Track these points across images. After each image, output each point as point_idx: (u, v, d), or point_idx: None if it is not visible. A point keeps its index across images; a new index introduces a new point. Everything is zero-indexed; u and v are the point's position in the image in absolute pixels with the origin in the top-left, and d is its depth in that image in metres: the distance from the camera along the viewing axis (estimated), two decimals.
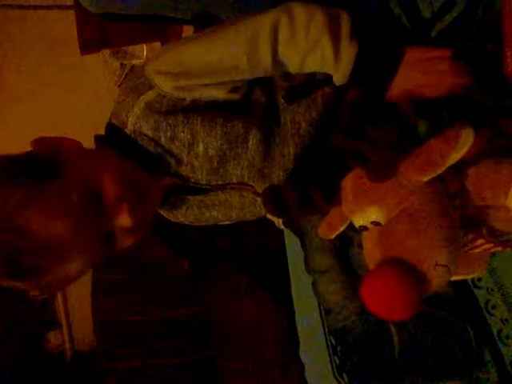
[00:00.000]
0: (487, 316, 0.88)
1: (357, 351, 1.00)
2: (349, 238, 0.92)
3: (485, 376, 0.91)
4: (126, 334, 1.89)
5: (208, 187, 0.84)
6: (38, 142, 0.76)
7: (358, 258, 0.95)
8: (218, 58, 0.72)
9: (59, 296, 2.21)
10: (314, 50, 0.70)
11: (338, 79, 0.73)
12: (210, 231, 1.81)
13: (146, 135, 0.76)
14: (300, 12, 0.69)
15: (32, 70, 1.78)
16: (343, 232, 0.66)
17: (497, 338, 0.87)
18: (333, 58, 0.70)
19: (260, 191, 0.85)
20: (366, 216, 0.56)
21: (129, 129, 0.77)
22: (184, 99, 0.75)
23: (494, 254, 0.77)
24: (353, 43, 0.70)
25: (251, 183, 0.84)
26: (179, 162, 0.79)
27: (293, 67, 0.74)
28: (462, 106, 0.71)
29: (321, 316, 1.17)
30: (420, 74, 0.70)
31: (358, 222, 0.58)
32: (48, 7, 1.74)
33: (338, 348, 1.12)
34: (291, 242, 1.25)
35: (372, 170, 0.55)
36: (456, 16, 0.77)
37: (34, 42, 1.83)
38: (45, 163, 0.71)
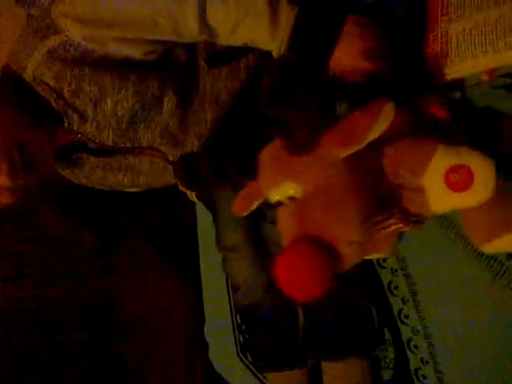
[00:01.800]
0: (389, 296, 0.91)
1: (262, 329, 1.00)
2: (262, 213, 0.91)
3: (383, 354, 0.95)
4: (25, 309, 1.80)
5: (114, 149, 0.79)
6: None
7: (270, 233, 0.94)
8: (137, 10, 0.65)
9: None
10: (247, 15, 0.65)
11: (275, 47, 0.68)
12: (116, 202, 1.75)
13: (47, 84, 0.70)
14: None
15: None
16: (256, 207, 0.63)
17: (397, 318, 0.90)
18: (269, 24, 0.65)
19: (171, 158, 0.81)
20: (283, 190, 0.54)
21: (28, 75, 0.70)
22: (93, 51, 0.68)
23: (400, 236, 0.79)
24: (291, 8, 0.65)
25: (163, 149, 0.80)
26: (83, 118, 0.73)
27: (221, 35, 0.68)
28: (381, 86, 0.71)
29: (228, 294, 1.16)
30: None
31: (274, 196, 0.56)
32: None
33: (243, 326, 1.12)
34: (202, 216, 1.23)
35: (291, 140, 0.53)
36: None
37: None
38: None
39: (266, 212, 0.90)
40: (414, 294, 0.87)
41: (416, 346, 0.88)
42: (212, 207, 1.08)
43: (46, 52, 0.68)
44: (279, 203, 0.56)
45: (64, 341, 1.84)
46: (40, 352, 1.83)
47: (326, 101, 0.63)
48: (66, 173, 0.87)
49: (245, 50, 0.77)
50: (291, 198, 0.54)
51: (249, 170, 0.58)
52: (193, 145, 0.80)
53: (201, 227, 1.27)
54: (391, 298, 0.91)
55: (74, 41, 0.67)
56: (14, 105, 0.71)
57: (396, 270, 0.89)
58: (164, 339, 1.74)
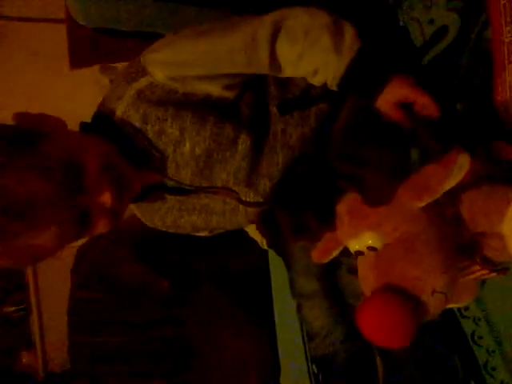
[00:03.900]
0: (474, 347, 0.87)
1: (339, 380, 0.98)
2: (337, 262, 0.91)
3: None
4: (101, 355, 1.84)
5: (191, 188, 0.81)
6: (20, 117, 0.73)
7: (345, 282, 0.94)
8: (215, 50, 0.71)
9: (34, 315, 2.15)
10: (312, 48, 0.70)
11: (331, 80, 0.73)
12: (192, 250, 1.80)
13: (133, 125, 0.74)
14: (303, 12, 0.70)
15: (21, 83, 1.76)
16: None
17: (483, 370, 0.86)
18: (332, 55, 0.70)
19: (244, 198, 0.83)
20: (362, 241, 0.56)
21: (117, 116, 0.75)
22: (176, 91, 0.73)
23: (482, 284, 0.77)
24: (353, 46, 0.70)
25: (236, 189, 0.82)
26: (164, 158, 0.77)
27: (288, 65, 0.73)
28: (452, 132, 0.72)
29: (303, 342, 1.15)
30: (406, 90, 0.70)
31: (354, 246, 0.57)
32: (38, 20, 1.74)
33: (320, 376, 1.10)
34: (275, 263, 1.24)
35: (368, 194, 0.55)
36: (447, 45, 0.79)
37: (24, 54, 1.81)
38: (26, 133, 0.69)
39: (341, 261, 0.90)
40: (499, 343, 0.84)
41: None
42: (284, 254, 1.09)
43: (135, 93, 0.73)
44: (359, 253, 0.57)
45: None
46: None
47: (399, 151, 0.65)
48: (141, 214, 0.91)
49: (316, 99, 0.81)
50: (371, 248, 0.55)
51: (328, 222, 0.60)
52: (265, 186, 0.82)
53: (274, 274, 1.28)
54: (476, 349, 0.87)
55: (159, 82, 0.72)
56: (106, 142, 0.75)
57: (479, 319, 0.86)
58: None
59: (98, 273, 1.90)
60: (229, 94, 0.75)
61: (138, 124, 0.74)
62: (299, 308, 1.03)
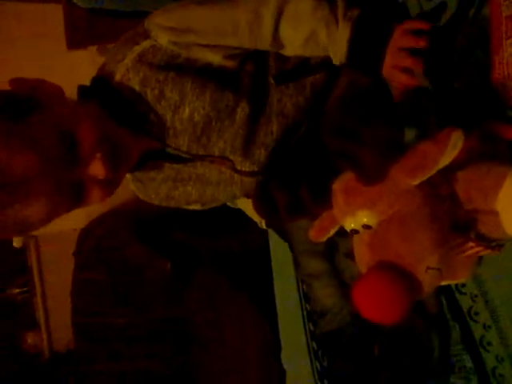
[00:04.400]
0: (470, 322, 0.88)
1: (343, 355, 1.00)
2: (334, 243, 0.92)
3: (466, 382, 0.91)
4: (104, 335, 1.87)
5: (188, 156, 0.81)
6: (17, 82, 0.72)
7: (343, 266, 0.94)
8: (220, 20, 0.72)
9: (38, 296, 2.17)
10: (315, 33, 0.71)
11: (334, 59, 0.74)
12: (193, 232, 1.81)
13: (132, 89, 0.74)
14: None
15: (17, 64, 1.75)
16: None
17: (479, 345, 0.88)
18: (328, 40, 0.71)
19: (239, 167, 0.83)
20: (357, 219, 0.56)
21: (116, 80, 0.74)
22: (178, 56, 0.73)
23: (479, 261, 0.78)
24: (347, 23, 0.70)
25: (232, 158, 0.82)
26: (162, 123, 0.76)
27: (292, 47, 0.75)
28: (449, 111, 0.72)
29: (303, 320, 1.17)
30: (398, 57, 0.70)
31: (349, 225, 0.58)
32: (34, 1, 1.73)
33: (320, 353, 1.12)
34: (275, 243, 1.24)
35: (362, 172, 0.55)
36: (446, 22, 0.78)
37: (22, 35, 1.80)
38: (21, 101, 0.68)
39: (337, 242, 0.91)
40: (495, 319, 0.85)
41: (501, 375, 0.85)
42: (285, 235, 1.10)
43: (136, 56, 0.72)
44: (354, 231, 0.58)
45: (139, 369, 1.87)
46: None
47: (394, 128, 0.66)
48: (136, 186, 0.90)
49: (313, 69, 0.81)
50: (366, 227, 0.56)
51: (324, 200, 0.60)
52: (260, 155, 0.82)
53: (274, 254, 1.29)
54: (472, 325, 0.88)
55: (161, 45, 0.72)
56: (103, 110, 0.74)
57: (476, 296, 0.86)
58: (239, 367, 1.74)
59: (100, 254, 1.92)
60: (229, 64, 0.75)
61: (137, 87, 0.73)
62: (308, 288, 1.05)
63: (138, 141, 0.78)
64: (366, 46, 0.71)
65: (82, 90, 0.78)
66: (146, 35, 0.73)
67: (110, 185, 0.73)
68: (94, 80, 0.79)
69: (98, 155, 0.69)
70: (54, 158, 0.66)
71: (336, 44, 0.72)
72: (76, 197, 0.71)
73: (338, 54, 0.73)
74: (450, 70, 0.73)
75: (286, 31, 0.72)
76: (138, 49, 0.73)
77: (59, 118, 0.69)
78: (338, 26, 0.70)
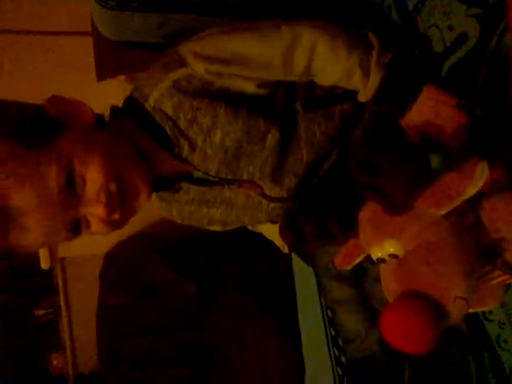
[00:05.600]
0: (498, 350, 0.87)
1: (371, 382, 0.99)
2: (363, 269, 0.92)
3: None
4: (129, 358, 1.87)
5: (216, 179, 0.82)
6: (53, 101, 0.73)
7: (372, 290, 0.94)
8: (256, 53, 0.73)
9: (64, 318, 2.20)
10: (351, 72, 0.73)
11: (364, 94, 0.76)
12: (218, 255, 1.82)
13: (165, 113, 0.75)
14: (340, 33, 0.73)
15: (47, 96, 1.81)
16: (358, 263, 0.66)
17: (508, 373, 0.86)
18: (362, 78, 0.73)
19: (268, 193, 0.84)
20: (384, 248, 0.57)
21: (149, 103, 0.75)
22: (212, 84, 0.74)
23: (506, 288, 0.77)
24: (381, 64, 0.73)
25: (261, 183, 0.83)
26: (192, 147, 0.77)
27: (322, 81, 0.77)
28: (473, 140, 0.72)
29: (328, 345, 1.16)
30: (432, 112, 0.72)
31: (376, 254, 0.58)
32: (65, 33, 1.79)
33: (345, 379, 1.11)
34: (299, 266, 1.24)
35: (389, 203, 0.56)
36: (467, 52, 0.79)
37: (51, 67, 1.86)
38: (44, 126, 0.69)
39: (366, 267, 0.91)
40: None
41: None
42: (309, 259, 1.10)
43: (171, 83, 0.73)
44: (381, 260, 0.58)
45: None
46: None
47: (420, 157, 0.66)
48: (160, 205, 0.91)
49: (340, 99, 0.82)
50: (393, 256, 0.57)
51: (351, 228, 0.61)
52: (290, 181, 0.83)
53: (297, 277, 1.29)
54: (501, 353, 0.87)
55: (197, 73, 0.73)
56: (127, 135, 0.75)
57: (503, 323, 0.86)
58: None
59: (126, 277, 1.94)
60: (262, 92, 0.77)
61: (170, 112, 0.75)
62: (333, 313, 1.05)
63: (167, 163, 0.79)
64: (395, 93, 0.73)
65: (115, 109, 0.80)
66: (183, 62, 0.74)
67: (113, 223, 0.72)
68: (127, 100, 0.80)
69: (102, 198, 0.69)
70: (55, 199, 0.66)
71: (367, 87, 0.74)
72: (74, 230, 0.71)
73: (367, 93, 0.75)
74: (473, 100, 0.74)
75: (318, 70, 0.75)
76: (173, 76, 0.74)
77: (72, 152, 0.68)
78: (370, 71, 0.73)
